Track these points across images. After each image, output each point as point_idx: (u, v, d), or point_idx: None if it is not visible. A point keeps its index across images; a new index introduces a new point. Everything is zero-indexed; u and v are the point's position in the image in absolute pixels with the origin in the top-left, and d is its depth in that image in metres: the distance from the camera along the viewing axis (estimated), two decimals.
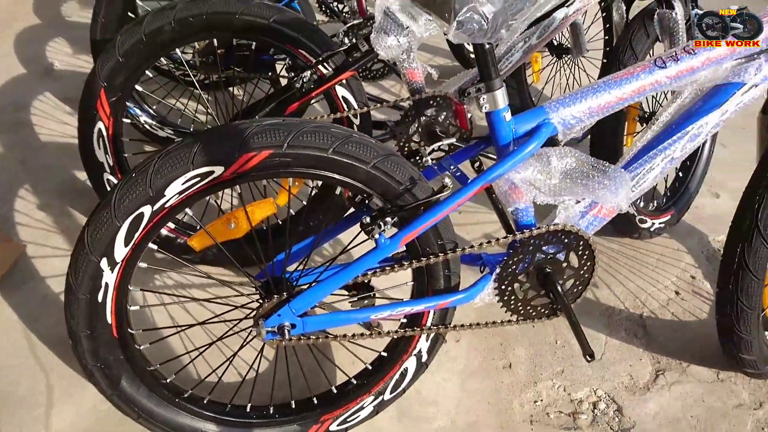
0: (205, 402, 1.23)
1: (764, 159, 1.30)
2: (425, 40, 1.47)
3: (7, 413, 1.31)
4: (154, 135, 2.00)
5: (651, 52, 1.75)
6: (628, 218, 1.79)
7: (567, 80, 2.40)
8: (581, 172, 1.09)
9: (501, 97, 1.08)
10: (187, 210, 1.03)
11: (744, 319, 1.33)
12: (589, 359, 1.22)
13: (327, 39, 1.54)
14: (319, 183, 1.68)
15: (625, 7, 1.86)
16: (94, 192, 1.62)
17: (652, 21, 1.67)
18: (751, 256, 1.28)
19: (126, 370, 1.11)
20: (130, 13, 1.93)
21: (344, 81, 1.53)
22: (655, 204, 1.95)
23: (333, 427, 1.29)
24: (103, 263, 0.99)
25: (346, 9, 2.34)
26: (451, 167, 1.23)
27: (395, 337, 1.23)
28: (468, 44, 2.33)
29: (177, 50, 1.52)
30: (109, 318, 1.04)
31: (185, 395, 1.20)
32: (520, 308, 1.24)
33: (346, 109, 1.57)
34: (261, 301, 1.11)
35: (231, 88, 2.36)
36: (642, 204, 1.85)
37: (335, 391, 1.30)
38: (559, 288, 1.20)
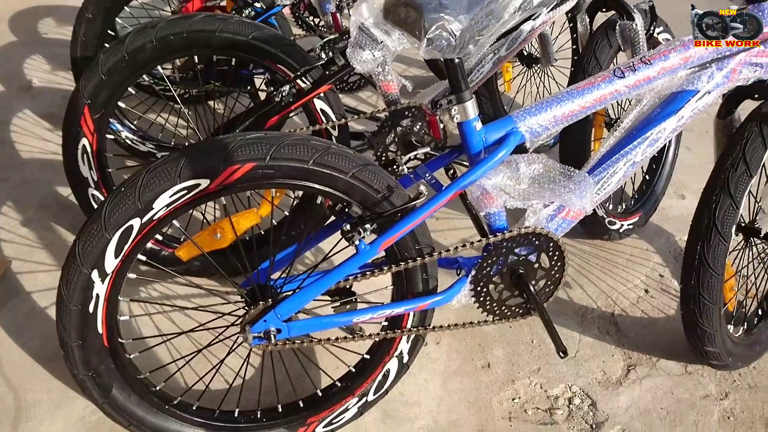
0: (194, 408, 1.26)
1: (720, 161, 1.38)
2: (399, 53, 1.54)
3: None
4: (135, 150, 2.04)
5: (614, 61, 1.84)
6: (598, 220, 1.87)
7: (537, 88, 2.48)
8: (548, 177, 1.16)
9: (471, 108, 1.14)
10: (174, 221, 1.08)
11: (706, 313, 1.41)
12: (562, 356, 1.29)
13: (304, 54, 1.60)
14: (300, 193, 1.73)
15: (588, 19, 1.94)
16: (78, 207, 1.65)
17: (614, 32, 1.75)
18: (710, 253, 1.35)
19: (117, 379, 1.14)
20: (109, 31, 1.97)
21: (322, 94, 1.58)
22: (624, 206, 2.03)
23: (319, 429, 1.33)
24: (94, 275, 1.03)
25: (322, 23, 2.40)
26: (426, 175, 1.28)
27: (377, 339, 1.28)
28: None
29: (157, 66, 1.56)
30: (100, 328, 1.08)
31: (174, 402, 1.24)
32: (496, 308, 1.29)
33: (325, 121, 1.62)
34: (247, 308, 1.16)
35: (210, 102, 2.40)
36: (611, 207, 1.93)
37: (320, 394, 1.34)
38: (531, 288, 1.26)
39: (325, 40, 1.68)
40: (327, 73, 1.57)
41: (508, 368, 1.58)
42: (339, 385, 1.34)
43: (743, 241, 1.58)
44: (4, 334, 1.53)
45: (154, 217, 1.02)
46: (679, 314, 1.55)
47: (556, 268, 1.28)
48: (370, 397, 1.34)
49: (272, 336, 1.12)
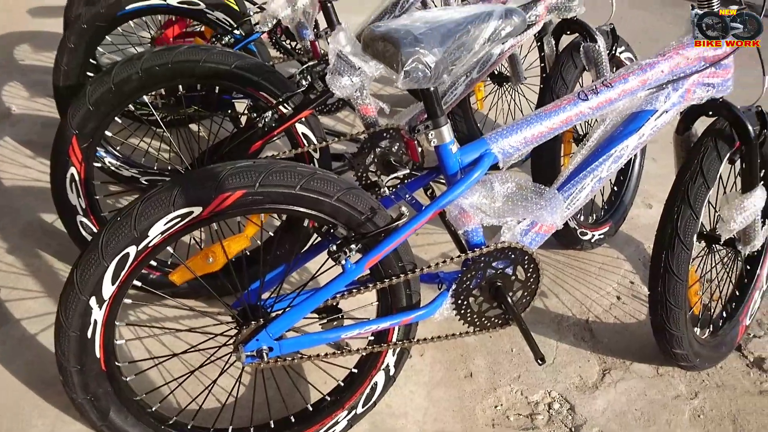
0: (189, 428, 1.30)
1: (680, 174, 1.48)
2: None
3: None
4: (119, 175, 2.07)
5: (580, 81, 1.94)
6: (570, 232, 1.96)
7: (509, 105, 2.58)
8: (521, 195, 1.24)
9: (447, 132, 1.21)
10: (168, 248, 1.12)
11: (673, 318, 1.49)
12: (540, 362, 1.36)
13: (284, 80, 1.66)
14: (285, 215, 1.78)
15: (554, 41, 2.04)
16: (63, 233, 1.67)
17: (578, 53, 1.85)
18: (674, 261, 1.44)
19: (114, 402, 1.18)
20: (91, 60, 2.01)
21: (303, 119, 1.65)
22: (594, 217, 2.13)
23: None
24: (92, 301, 1.07)
25: (299, 47, 2.47)
26: (407, 196, 1.35)
27: (364, 353, 1.33)
28: None
29: None
30: (98, 353, 1.12)
31: (170, 422, 1.28)
32: (476, 320, 1.36)
33: (306, 145, 1.69)
34: (238, 328, 1.20)
35: (191, 126, 2.45)
36: (582, 218, 2.02)
37: (311, 409, 1.39)
38: (509, 299, 1.34)
39: (305, 66, 1.75)
40: (307, 98, 1.64)
41: (489, 377, 1.65)
42: (328, 399, 1.39)
43: (705, 248, 1.68)
44: None
45: (150, 245, 1.07)
46: (649, 319, 1.64)
47: (531, 280, 1.36)
48: (359, 409, 1.39)
49: (265, 354, 1.17)
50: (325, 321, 1.35)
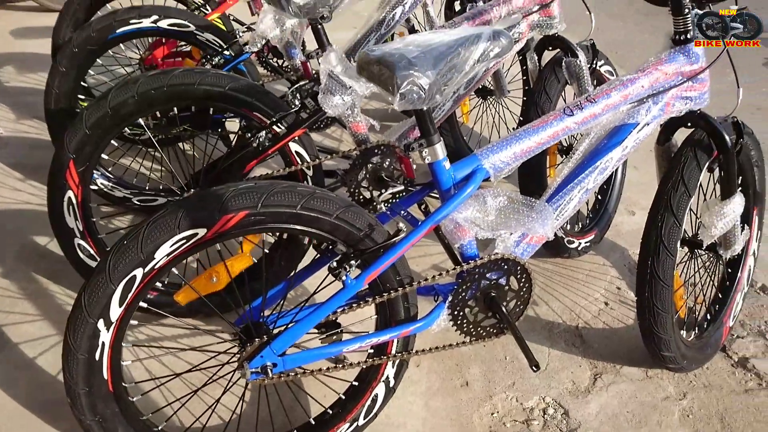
0: None
1: (662, 183, 1.53)
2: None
3: None
4: (111, 196, 2.08)
5: (563, 94, 2.00)
6: (557, 241, 2.01)
7: (493, 119, 2.64)
8: (513, 208, 1.28)
9: (440, 149, 1.26)
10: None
11: (661, 322, 1.55)
12: (535, 369, 1.40)
13: (277, 100, 1.70)
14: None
15: (537, 57, 2.11)
16: (56, 255, 1.69)
17: (560, 68, 1.91)
18: (659, 267, 1.50)
19: (121, 422, 1.20)
20: (82, 83, 2.04)
21: (297, 137, 1.68)
22: (580, 225, 2.18)
23: None
24: (100, 324, 1.09)
25: (287, 64, 2.51)
26: (401, 211, 1.39)
27: (365, 366, 1.37)
28: None
29: None
30: (105, 374, 1.14)
31: None
32: (472, 330, 1.40)
33: (300, 163, 1.72)
34: (242, 345, 1.23)
35: (181, 146, 2.47)
36: (568, 227, 2.08)
37: (314, 423, 1.42)
38: (503, 309, 1.38)
39: (295, 86, 1.79)
40: (300, 117, 1.68)
41: (485, 385, 1.69)
42: (331, 412, 1.42)
43: (689, 254, 1.74)
44: None
45: (156, 267, 1.10)
46: (636, 323, 1.69)
47: (524, 289, 1.40)
48: (361, 421, 1.42)
49: (269, 370, 1.20)
50: (324, 336, 1.38)
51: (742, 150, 1.57)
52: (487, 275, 1.35)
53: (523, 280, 1.39)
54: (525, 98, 2.42)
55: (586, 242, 2.11)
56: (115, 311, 1.10)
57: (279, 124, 1.66)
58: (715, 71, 1.50)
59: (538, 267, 2.11)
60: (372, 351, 1.39)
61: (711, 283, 1.82)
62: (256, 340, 1.20)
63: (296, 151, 1.71)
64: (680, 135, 1.59)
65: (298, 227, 1.17)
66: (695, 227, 1.73)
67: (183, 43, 2.33)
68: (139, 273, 1.09)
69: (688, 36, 1.40)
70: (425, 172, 1.31)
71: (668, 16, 1.50)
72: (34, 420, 1.48)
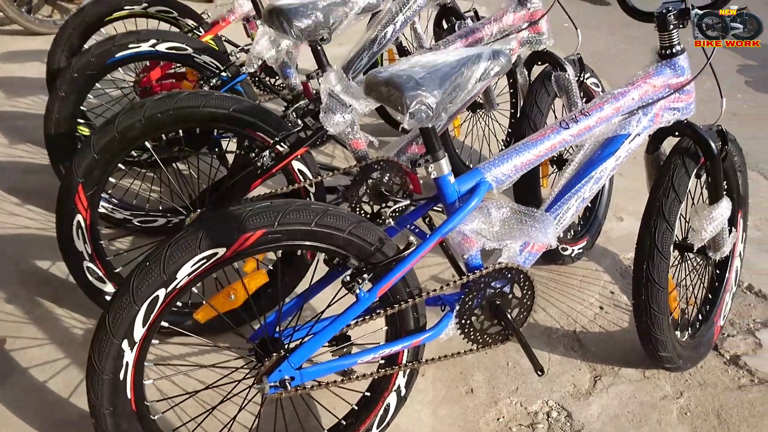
0: None
1: (653, 190, 1.61)
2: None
3: None
4: (111, 218, 2.10)
5: (552, 107, 2.08)
6: (552, 248, 2.07)
7: (483, 131, 2.71)
8: (516, 218, 1.34)
9: (445, 164, 1.31)
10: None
11: (657, 323, 1.61)
12: (540, 374, 1.45)
13: (279, 120, 1.75)
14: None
15: (526, 72, 2.18)
16: (59, 278, 1.70)
17: (550, 81, 1.99)
18: (654, 271, 1.56)
19: None
20: (81, 107, 2.06)
21: (299, 156, 1.73)
22: (572, 233, 2.25)
23: None
24: (125, 344, 1.12)
25: (282, 84, 2.55)
26: (408, 225, 1.44)
27: (377, 377, 1.40)
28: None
29: None
30: (129, 393, 1.16)
31: None
32: (479, 338, 1.45)
33: (302, 180, 1.76)
34: (259, 360, 1.26)
35: (175, 165, 2.49)
36: (562, 234, 2.14)
37: None
38: (508, 316, 1.43)
39: (296, 105, 1.83)
40: (302, 136, 1.72)
41: (489, 391, 1.73)
42: (344, 423, 1.45)
43: (679, 257, 1.81)
44: (5, 410, 1.56)
45: (177, 286, 1.13)
46: (632, 326, 1.75)
47: (527, 296, 1.46)
48: (374, 431, 1.45)
49: (287, 384, 1.23)
50: (336, 348, 1.42)
51: (727, 156, 1.65)
52: (492, 284, 1.40)
53: (526, 287, 1.44)
54: (512, 110, 2.50)
55: (578, 249, 2.18)
56: (139, 331, 1.13)
57: (282, 144, 1.70)
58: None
59: (534, 274, 2.14)
60: (383, 361, 1.43)
61: (701, 284, 1.90)
62: (275, 354, 1.24)
63: (299, 169, 1.75)
64: (668, 144, 1.66)
65: (313, 243, 1.21)
66: (685, 231, 1.80)
67: (178, 64, 2.37)
68: (161, 293, 1.12)
69: (674, 50, 1.48)
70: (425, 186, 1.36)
71: (641, 26, 1.57)
72: None
